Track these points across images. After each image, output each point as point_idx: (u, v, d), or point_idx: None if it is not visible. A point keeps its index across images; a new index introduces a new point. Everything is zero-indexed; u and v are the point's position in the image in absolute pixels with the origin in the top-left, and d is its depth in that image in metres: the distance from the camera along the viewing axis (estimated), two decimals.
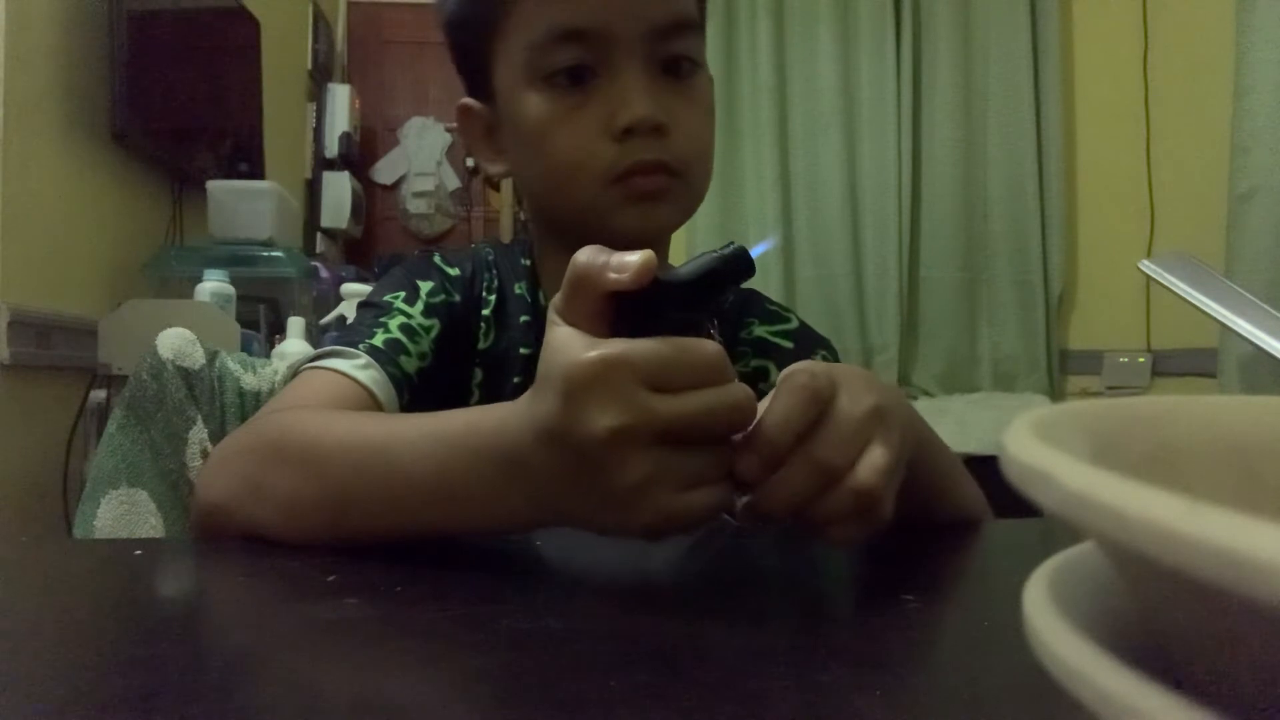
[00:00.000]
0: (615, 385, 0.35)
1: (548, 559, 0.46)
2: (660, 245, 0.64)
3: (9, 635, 0.32)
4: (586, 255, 0.37)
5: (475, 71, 0.66)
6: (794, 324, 0.74)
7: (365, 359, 0.59)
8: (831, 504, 0.38)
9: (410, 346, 0.62)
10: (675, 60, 0.61)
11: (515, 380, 0.67)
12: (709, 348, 0.36)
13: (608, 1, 0.58)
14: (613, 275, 0.36)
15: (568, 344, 0.36)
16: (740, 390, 0.37)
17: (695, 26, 0.62)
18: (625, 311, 0.38)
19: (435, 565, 0.42)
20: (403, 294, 0.66)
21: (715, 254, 0.38)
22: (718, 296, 0.39)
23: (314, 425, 0.49)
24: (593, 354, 0.35)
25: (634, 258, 0.36)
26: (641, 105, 0.58)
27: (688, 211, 0.64)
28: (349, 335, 0.62)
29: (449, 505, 0.42)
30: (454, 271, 0.69)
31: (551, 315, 0.39)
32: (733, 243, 0.39)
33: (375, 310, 0.65)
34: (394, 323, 0.63)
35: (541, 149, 0.62)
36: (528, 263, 0.71)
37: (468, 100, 0.68)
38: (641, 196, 0.60)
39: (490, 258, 0.72)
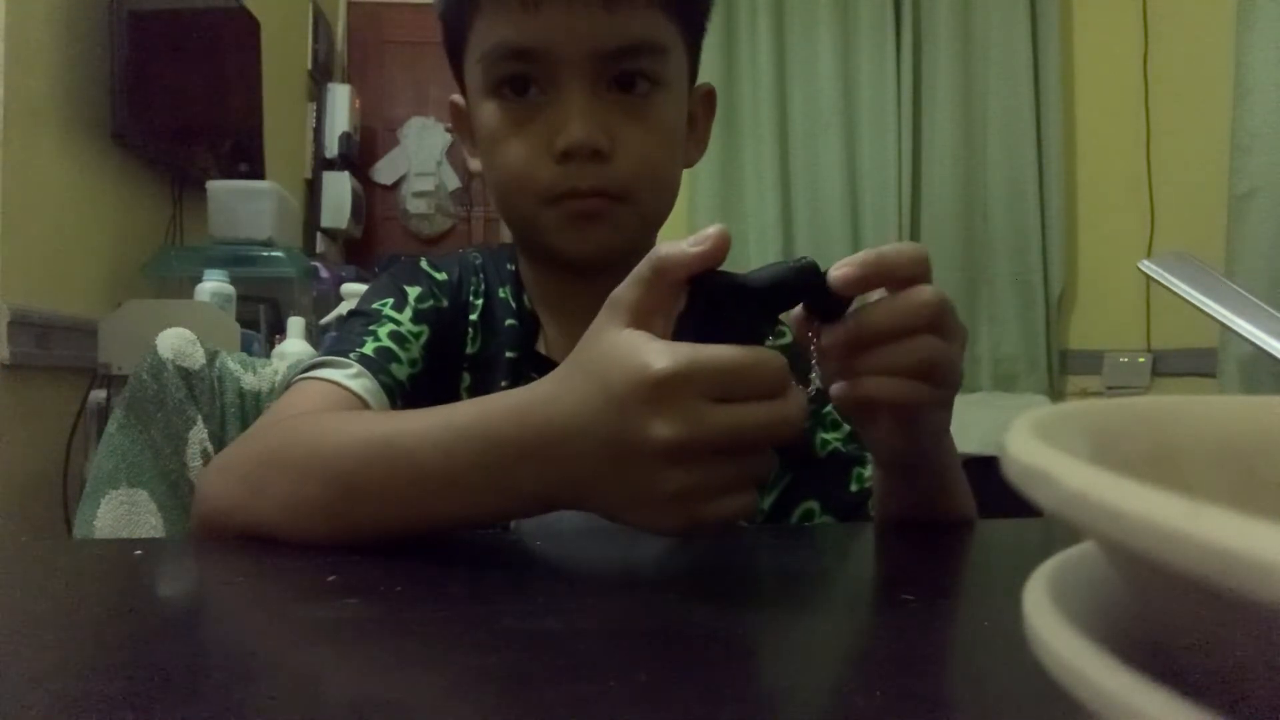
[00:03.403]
0: (679, 397, 0.35)
1: (547, 559, 0.46)
2: (615, 266, 0.64)
3: (9, 635, 0.32)
4: (666, 246, 0.38)
5: (458, 71, 0.67)
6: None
7: (357, 368, 0.59)
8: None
9: (401, 353, 0.63)
10: (630, 77, 0.60)
11: (503, 384, 0.67)
12: (774, 360, 0.37)
13: (553, 22, 0.57)
14: (694, 248, 0.37)
15: (634, 349, 0.36)
16: (794, 404, 0.37)
17: (655, 48, 0.60)
18: (694, 311, 0.38)
19: (435, 565, 0.42)
20: (391, 301, 0.66)
21: (788, 264, 0.39)
22: (785, 307, 0.41)
23: (317, 426, 0.50)
24: (661, 365, 0.35)
25: (711, 229, 0.38)
26: (579, 130, 0.58)
27: (633, 234, 0.63)
28: (340, 344, 0.62)
29: (457, 492, 0.42)
30: (441, 276, 0.69)
31: (610, 311, 0.39)
32: (805, 257, 0.40)
33: (364, 318, 0.65)
34: (383, 330, 0.63)
35: (492, 159, 0.63)
36: (512, 268, 0.71)
37: (456, 97, 0.69)
38: (578, 217, 0.60)
39: (478, 262, 0.72)
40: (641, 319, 0.38)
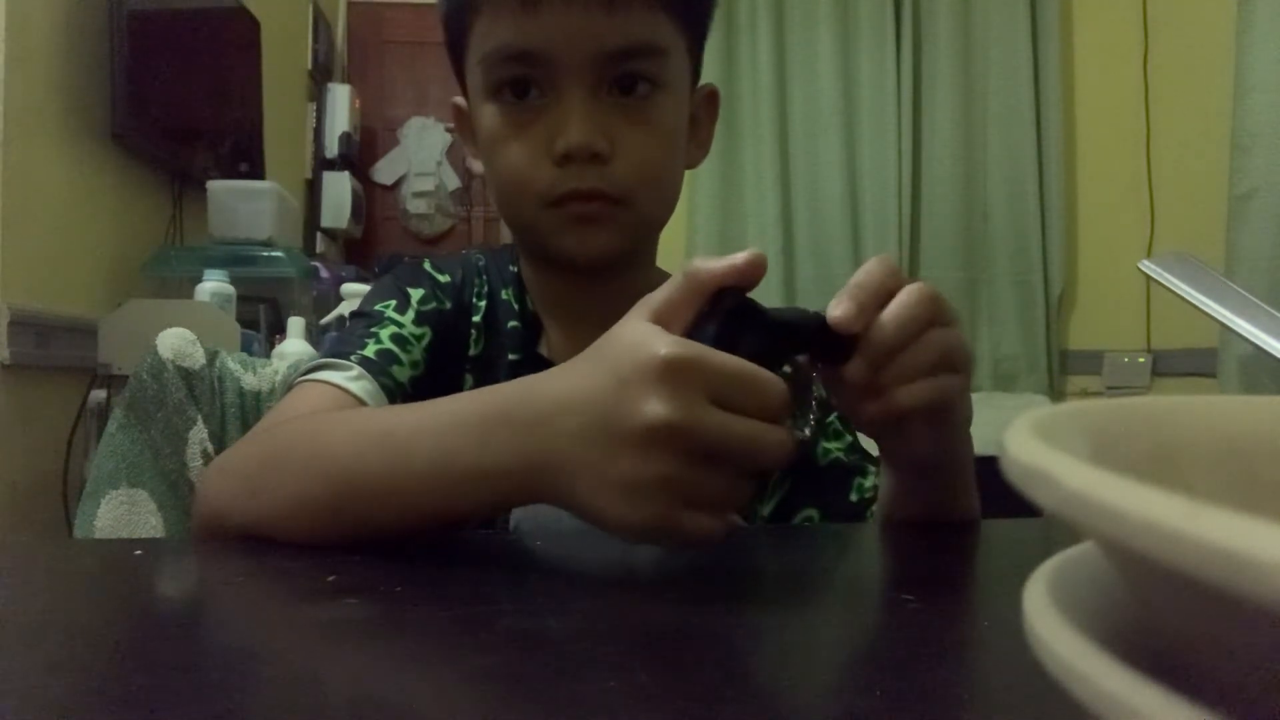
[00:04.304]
0: (680, 384, 0.36)
1: (546, 559, 0.46)
2: (617, 269, 0.64)
3: (9, 635, 0.32)
4: (701, 259, 0.40)
5: (460, 73, 0.67)
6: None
7: (357, 370, 0.59)
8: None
9: (402, 356, 0.62)
10: (631, 79, 0.60)
11: None
12: (776, 383, 0.37)
13: (553, 24, 0.57)
14: (726, 263, 0.39)
15: (647, 337, 0.37)
16: (785, 433, 0.38)
17: (655, 50, 0.60)
18: (709, 321, 0.39)
19: (435, 565, 0.42)
20: (394, 302, 0.66)
21: (809, 312, 0.42)
22: (795, 349, 0.43)
23: (315, 425, 0.50)
24: (669, 351, 0.36)
25: (745, 252, 0.39)
26: (579, 132, 0.58)
27: (634, 237, 0.63)
28: (341, 346, 0.62)
29: (445, 477, 0.42)
30: (444, 278, 0.69)
31: (635, 309, 0.40)
32: (822, 312, 0.42)
33: (366, 320, 0.65)
34: (385, 332, 0.63)
35: (493, 162, 0.63)
36: (515, 269, 0.71)
37: (459, 99, 0.69)
38: (579, 220, 0.60)
39: (480, 264, 0.72)
40: (661, 318, 0.39)
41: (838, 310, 0.41)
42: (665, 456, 0.36)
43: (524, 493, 0.42)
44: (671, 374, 0.35)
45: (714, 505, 0.37)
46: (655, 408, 0.35)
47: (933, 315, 0.43)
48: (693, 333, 0.39)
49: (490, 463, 0.41)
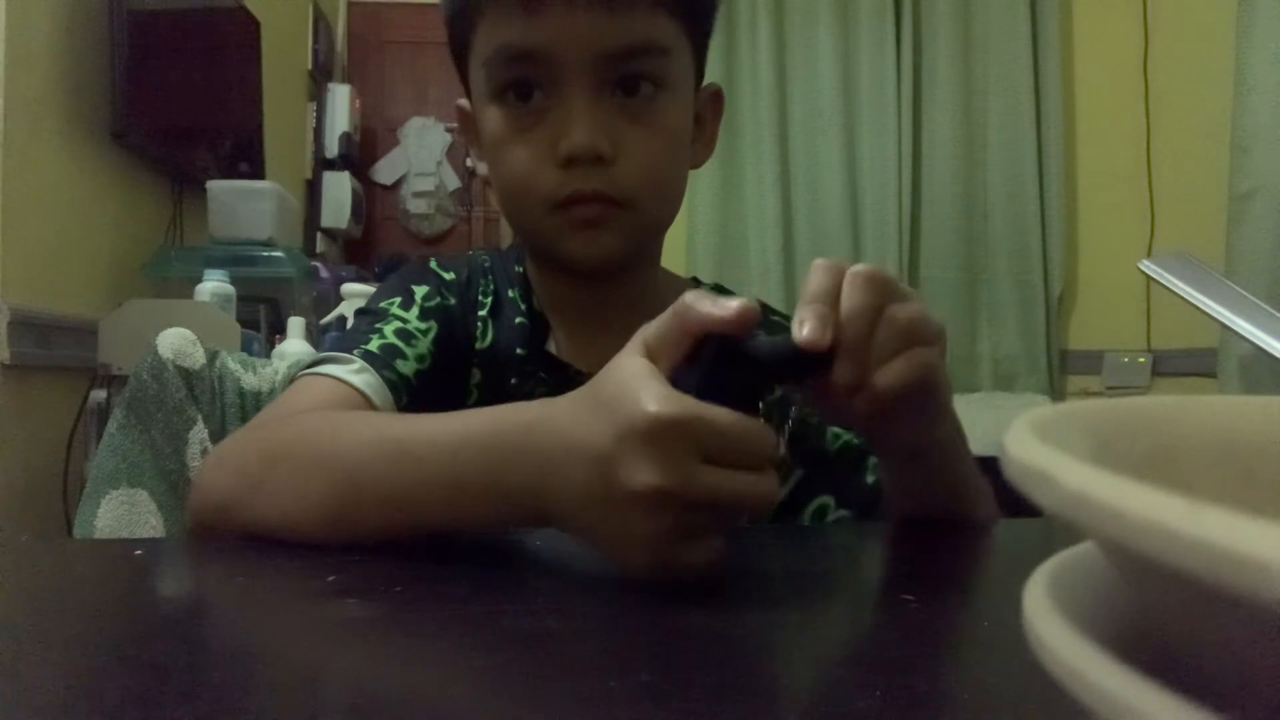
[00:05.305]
0: (671, 448, 0.35)
1: (547, 558, 0.46)
2: (622, 271, 0.64)
3: (9, 635, 0.32)
4: (694, 296, 0.39)
5: (464, 76, 0.67)
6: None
7: (360, 364, 0.59)
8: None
9: (406, 350, 0.63)
10: (634, 80, 0.60)
11: (512, 381, 0.67)
12: (766, 435, 0.37)
13: (556, 25, 0.57)
14: (715, 311, 0.38)
15: (640, 386, 0.37)
16: (772, 483, 0.38)
17: (657, 50, 0.60)
18: (696, 361, 0.39)
19: (435, 565, 0.42)
20: (398, 300, 0.66)
21: (776, 341, 0.41)
22: (782, 379, 0.43)
23: (323, 424, 0.50)
24: (659, 410, 0.35)
25: (738, 301, 0.39)
26: (582, 135, 0.57)
27: (638, 239, 0.63)
28: (345, 342, 0.62)
29: (457, 495, 0.42)
30: (449, 276, 0.69)
31: (632, 341, 0.40)
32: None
33: (371, 317, 0.65)
34: (389, 328, 0.63)
35: (496, 165, 0.63)
36: (520, 269, 0.71)
37: (463, 101, 0.69)
38: (583, 224, 0.60)
39: (486, 264, 0.72)
40: (653, 353, 0.39)
41: (803, 331, 0.41)
42: (659, 515, 0.36)
43: (536, 519, 0.42)
44: (663, 435, 0.35)
45: (708, 535, 0.38)
46: (647, 475, 0.35)
47: (884, 295, 0.43)
48: (679, 377, 0.38)
49: (505, 489, 0.41)
